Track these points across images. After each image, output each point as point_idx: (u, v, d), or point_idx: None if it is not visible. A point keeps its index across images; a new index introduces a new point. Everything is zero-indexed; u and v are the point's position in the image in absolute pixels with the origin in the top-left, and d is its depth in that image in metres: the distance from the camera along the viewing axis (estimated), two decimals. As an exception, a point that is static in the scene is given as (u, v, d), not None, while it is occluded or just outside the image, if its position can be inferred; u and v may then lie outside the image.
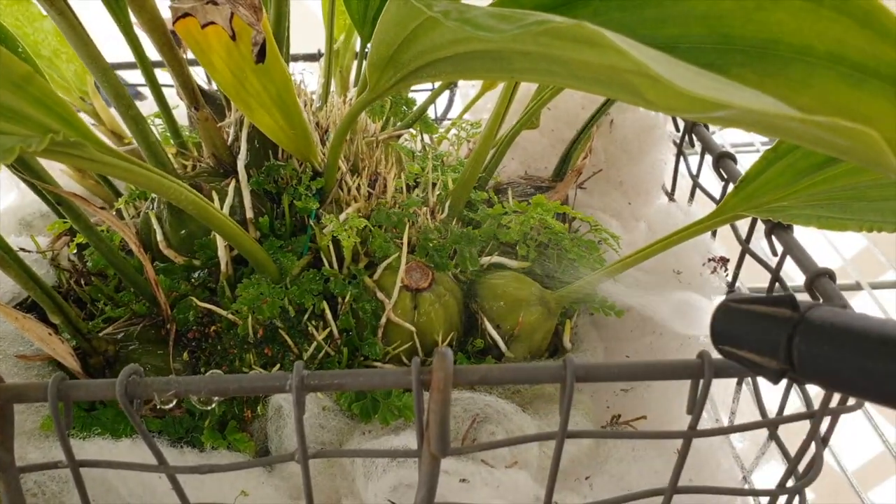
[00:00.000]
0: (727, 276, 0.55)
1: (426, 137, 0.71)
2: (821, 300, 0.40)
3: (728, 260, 0.55)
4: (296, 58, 0.91)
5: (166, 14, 0.46)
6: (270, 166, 0.52)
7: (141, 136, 0.46)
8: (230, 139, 0.55)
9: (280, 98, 0.48)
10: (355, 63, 0.81)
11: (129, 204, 0.53)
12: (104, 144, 0.33)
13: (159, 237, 0.50)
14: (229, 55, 0.46)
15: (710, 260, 0.54)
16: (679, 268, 0.56)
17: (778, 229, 0.46)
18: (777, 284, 0.48)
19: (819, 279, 0.40)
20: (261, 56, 0.45)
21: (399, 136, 0.64)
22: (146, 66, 0.56)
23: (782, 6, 0.30)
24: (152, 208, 0.50)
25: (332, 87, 0.68)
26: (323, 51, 0.91)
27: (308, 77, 1.10)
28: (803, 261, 0.43)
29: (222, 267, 0.48)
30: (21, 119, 0.30)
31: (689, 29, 0.34)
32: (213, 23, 0.44)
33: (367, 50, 0.72)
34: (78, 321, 0.45)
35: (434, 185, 0.58)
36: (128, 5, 0.47)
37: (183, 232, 0.49)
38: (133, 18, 0.48)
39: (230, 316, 0.46)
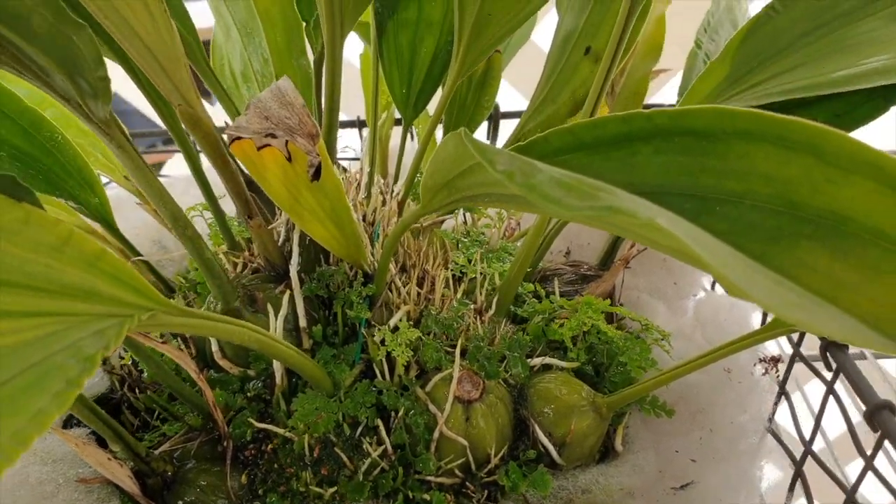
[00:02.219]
0: (778, 377, 0.54)
1: (467, 215, 0.72)
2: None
3: (780, 359, 0.54)
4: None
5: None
6: (322, 272, 0.52)
7: (197, 253, 0.47)
8: (281, 239, 0.55)
9: (333, 211, 0.48)
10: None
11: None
12: (174, 306, 0.34)
13: (214, 348, 0.50)
14: (284, 174, 0.46)
15: (761, 360, 0.54)
16: (729, 365, 0.55)
17: (833, 347, 0.46)
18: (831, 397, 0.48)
19: (880, 412, 0.40)
20: (316, 176, 0.45)
21: (442, 223, 0.65)
22: (198, 171, 0.57)
23: (853, 184, 0.30)
24: (206, 318, 0.51)
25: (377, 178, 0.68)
26: (363, 117, 0.92)
27: (347, 138, 1.11)
28: (861, 387, 0.42)
29: (277, 379, 0.49)
30: (93, 296, 0.31)
31: (753, 186, 0.33)
32: (269, 145, 0.45)
33: (409, 128, 0.72)
34: (136, 445, 0.45)
35: (482, 276, 0.58)
36: (183, 120, 0.47)
37: (237, 343, 0.50)
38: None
39: (286, 433, 0.47)
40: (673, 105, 0.78)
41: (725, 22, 0.74)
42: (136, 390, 0.53)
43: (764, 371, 0.53)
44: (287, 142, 0.44)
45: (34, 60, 0.36)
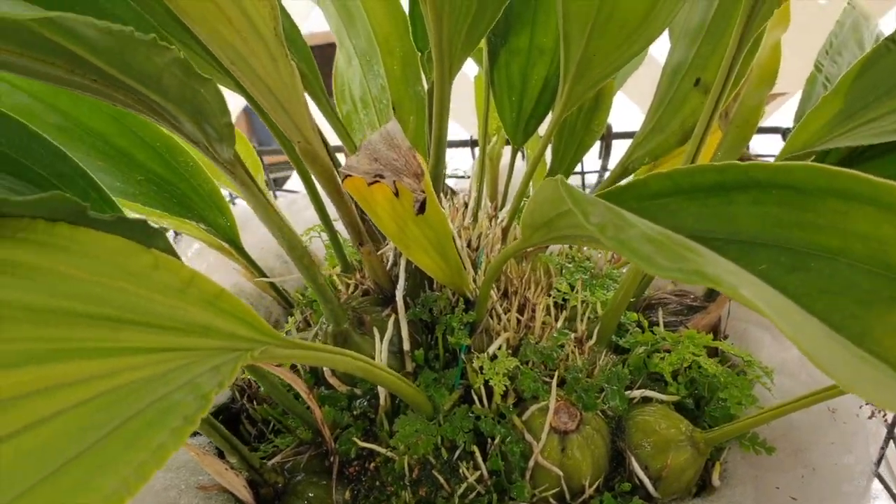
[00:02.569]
0: (886, 419, 0.53)
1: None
2: None
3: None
4: (449, 144, 0.94)
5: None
6: (426, 298, 0.54)
7: (311, 280, 0.50)
8: (389, 264, 0.58)
9: (438, 242, 0.50)
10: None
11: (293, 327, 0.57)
12: (284, 340, 0.36)
13: (325, 367, 0.53)
14: (392, 208, 0.48)
15: (867, 402, 0.52)
16: (834, 405, 0.54)
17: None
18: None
19: None
20: (421, 210, 0.47)
21: (547, 247, 0.66)
22: (316, 197, 0.60)
23: (954, 249, 0.29)
24: (318, 338, 0.54)
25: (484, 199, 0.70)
26: (475, 137, 0.94)
27: (459, 158, 1.13)
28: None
29: (381, 400, 0.51)
30: (211, 332, 0.34)
31: (849, 244, 0.33)
32: (378, 181, 0.47)
33: (519, 149, 0.74)
34: (251, 456, 0.49)
35: (584, 304, 0.59)
36: (302, 155, 0.51)
37: (342, 371, 0.53)
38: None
39: (388, 452, 0.49)
40: (789, 129, 0.76)
41: (850, 41, 0.72)
42: (255, 402, 0.57)
43: (871, 414, 0.52)
44: (395, 181, 0.46)
45: (166, 109, 0.39)
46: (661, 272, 0.28)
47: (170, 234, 0.89)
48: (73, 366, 0.28)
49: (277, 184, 1.17)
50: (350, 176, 0.47)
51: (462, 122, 1.41)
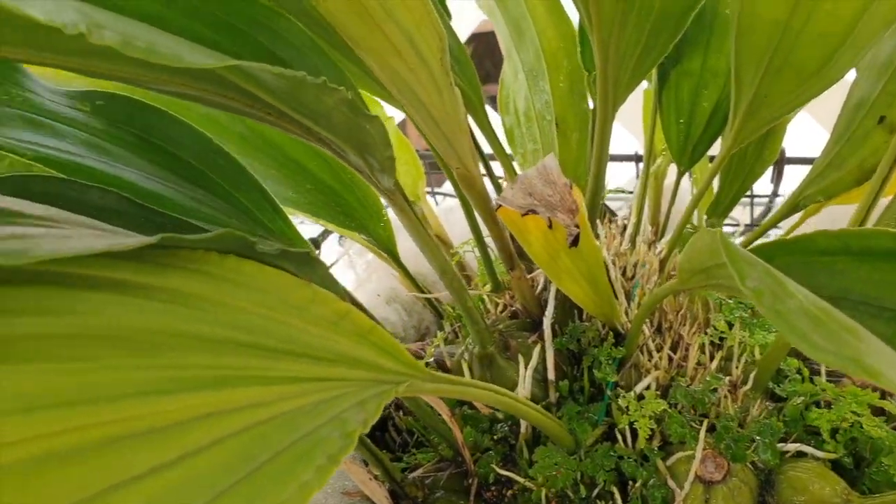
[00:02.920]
0: None
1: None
2: None
3: None
4: (612, 159, 0.93)
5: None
6: (574, 328, 0.54)
7: (460, 302, 0.51)
8: (538, 288, 0.58)
9: (589, 273, 0.50)
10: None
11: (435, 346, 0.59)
12: (427, 373, 0.37)
13: (468, 387, 0.54)
14: (544, 238, 0.48)
15: None
16: None
17: None
18: None
19: None
20: (574, 244, 0.47)
21: (708, 279, 0.63)
22: (471, 216, 0.61)
23: None
24: (464, 357, 0.55)
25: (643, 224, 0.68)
26: (640, 152, 0.92)
27: (620, 173, 1.11)
28: None
29: (521, 429, 0.51)
30: (360, 364, 0.35)
31: None
32: (532, 213, 0.47)
33: (685, 172, 0.71)
34: (393, 469, 0.51)
35: (741, 345, 0.56)
36: (460, 181, 0.51)
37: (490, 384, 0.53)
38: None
39: (526, 482, 0.49)
40: None
41: None
42: (402, 411, 0.58)
43: None
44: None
45: (334, 142, 0.41)
46: (816, 353, 0.27)
47: (334, 235, 0.94)
48: (234, 393, 0.30)
49: (439, 182, 1.20)
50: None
51: (629, 127, 1.38)
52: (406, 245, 0.77)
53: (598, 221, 0.59)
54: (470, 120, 0.62)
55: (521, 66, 0.73)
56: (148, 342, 0.29)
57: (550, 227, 0.47)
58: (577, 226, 0.46)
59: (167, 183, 0.50)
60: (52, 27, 0.26)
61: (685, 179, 0.71)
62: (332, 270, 0.87)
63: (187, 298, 0.31)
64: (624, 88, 0.48)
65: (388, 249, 0.66)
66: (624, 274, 0.59)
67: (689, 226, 0.69)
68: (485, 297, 0.62)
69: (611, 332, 0.54)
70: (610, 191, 0.91)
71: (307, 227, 0.94)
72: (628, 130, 1.39)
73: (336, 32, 0.45)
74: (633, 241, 0.65)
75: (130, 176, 0.48)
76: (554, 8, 0.67)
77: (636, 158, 0.90)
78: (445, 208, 0.87)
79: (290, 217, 0.56)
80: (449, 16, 0.64)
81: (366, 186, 0.64)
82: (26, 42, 0.29)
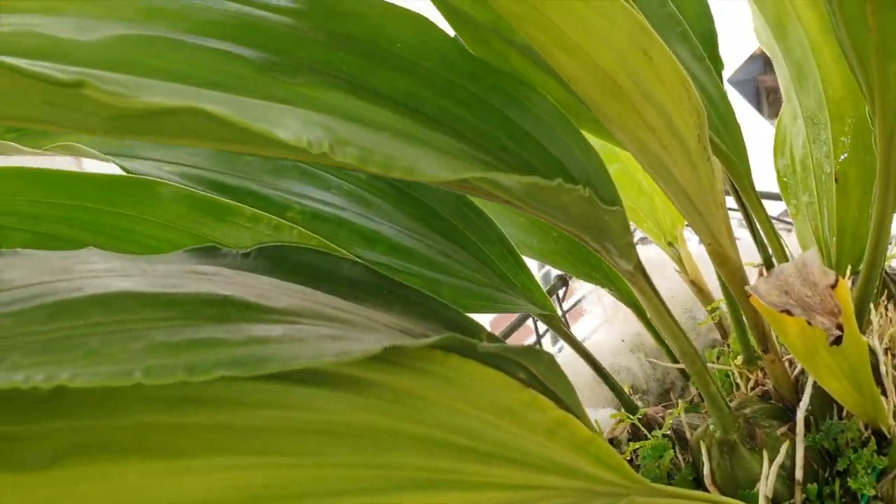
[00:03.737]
0: None
1: None
2: None
3: None
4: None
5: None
6: (831, 427, 0.49)
7: (703, 386, 0.48)
8: (794, 373, 0.53)
9: (852, 372, 0.45)
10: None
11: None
12: (648, 487, 0.36)
13: (706, 470, 0.51)
14: (802, 332, 0.44)
15: None
16: None
17: None
18: None
19: None
20: (836, 343, 0.42)
21: None
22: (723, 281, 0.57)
23: None
24: (703, 441, 0.52)
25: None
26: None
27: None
28: None
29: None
30: (575, 474, 0.34)
31: None
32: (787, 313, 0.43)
33: None
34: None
35: None
36: (710, 255, 0.48)
37: (728, 473, 0.50)
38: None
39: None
40: None
41: None
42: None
43: None
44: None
45: (569, 228, 0.40)
46: None
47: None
48: (446, 496, 0.31)
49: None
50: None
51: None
52: (660, 284, 0.74)
53: (871, 308, 0.53)
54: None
55: (801, 111, 0.67)
56: (370, 440, 0.31)
57: (809, 322, 0.43)
58: (839, 327, 0.41)
59: (420, 237, 0.52)
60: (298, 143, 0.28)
61: None
62: (582, 303, 0.86)
63: (410, 398, 0.32)
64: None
65: (634, 304, 0.64)
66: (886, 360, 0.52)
67: None
68: (735, 369, 0.58)
69: (874, 436, 0.48)
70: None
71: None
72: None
73: (586, 107, 0.44)
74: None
75: (388, 231, 0.51)
76: (841, 57, 0.61)
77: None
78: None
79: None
80: (721, 65, 0.60)
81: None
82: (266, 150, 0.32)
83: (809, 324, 0.42)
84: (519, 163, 0.42)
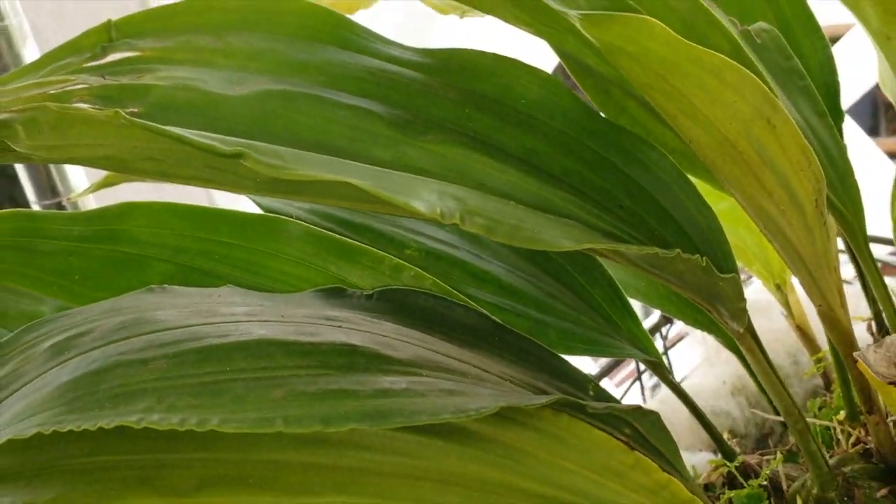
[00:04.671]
0: None
1: None
2: None
3: None
4: None
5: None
6: (938, 497, 0.48)
7: (804, 445, 0.48)
8: (900, 435, 0.52)
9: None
10: None
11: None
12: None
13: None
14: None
15: None
16: None
17: None
18: None
19: None
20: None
21: None
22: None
23: None
24: (799, 495, 0.51)
25: None
26: None
27: None
28: None
29: None
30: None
31: None
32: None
33: None
34: None
35: None
36: (820, 316, 0.48)
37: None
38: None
39: None
40: None
41: None
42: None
43: None
44: None
45: (683, 291, 0.41)
46: None
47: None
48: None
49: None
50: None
51: None
52: (764, 326, 0.74)
53: None
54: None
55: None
56: (480, 491, 0.33)
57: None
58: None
59: (529, 277, 0.54)
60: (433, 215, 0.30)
61: None
62: (683, 341, 0.86)
63: (520, 454, 0.34)
64: None
65: (737, 350, 0.64)
66: None
67: None
68: (836, 425, 0.57)
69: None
70: None
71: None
72: None
73: (705, 167, 0.45)
74: None
75: (497, 270, 0.53)
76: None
77: None
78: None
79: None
80: (842, 117, 0.59)
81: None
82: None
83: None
84: (636, 221, 0.44)
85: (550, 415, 0.35)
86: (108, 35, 0.40)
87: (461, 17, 0.53)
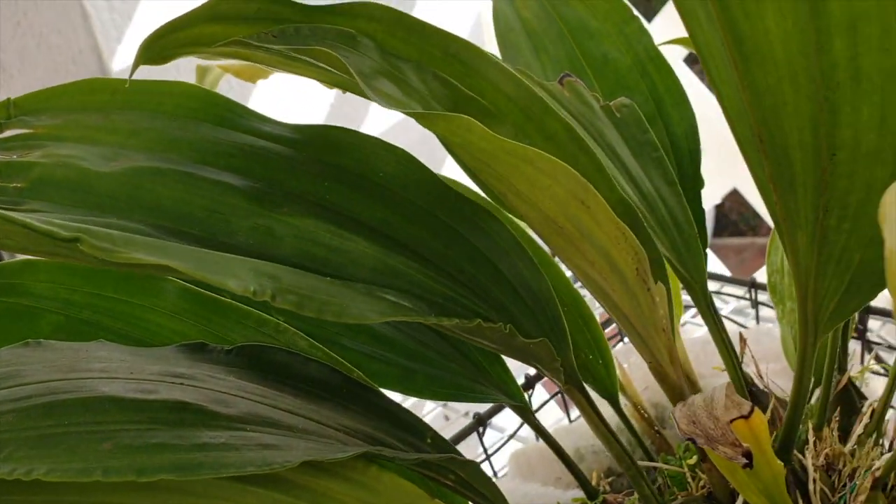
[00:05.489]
0: None
1: None
2: None
3: None
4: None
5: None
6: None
7: (637, 489, 0.53)
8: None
9: (766, 490, 0.49)
10: None
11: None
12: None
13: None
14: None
15: None
16: None
17: None
18: None
19: None
20: (748, 467, 0.47)
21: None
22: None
23: None
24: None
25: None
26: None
27: None
28: None
29: None
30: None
31: None
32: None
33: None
34: None
35: None
36: (651, 372, 0.53)
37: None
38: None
39: None
40: None
41: None
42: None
43: None
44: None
45: (498, 349, 0.46)
46: None
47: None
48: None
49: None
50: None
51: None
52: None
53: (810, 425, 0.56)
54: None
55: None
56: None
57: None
58: (744, 458, 0.46)
59: (402, 326, 0.59)
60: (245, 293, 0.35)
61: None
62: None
63: (329, 500, 0.39)
64: (823, 329, 0.46)
65: (609, 396, 0.69)
66: (835, 483, 0.55)
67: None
68: (685, 468, 0.62)
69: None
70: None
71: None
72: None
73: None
74: (860, 441, 0.60)
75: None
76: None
77: None
78: (703, 340, 0.85)
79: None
80: (701, 183, 0.65)
81: (594, 326, 0.67)
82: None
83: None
84: (473, 284, 0.48)
85: (362, 465, 0.39)
86: (6, 112, 0.45)
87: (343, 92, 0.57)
